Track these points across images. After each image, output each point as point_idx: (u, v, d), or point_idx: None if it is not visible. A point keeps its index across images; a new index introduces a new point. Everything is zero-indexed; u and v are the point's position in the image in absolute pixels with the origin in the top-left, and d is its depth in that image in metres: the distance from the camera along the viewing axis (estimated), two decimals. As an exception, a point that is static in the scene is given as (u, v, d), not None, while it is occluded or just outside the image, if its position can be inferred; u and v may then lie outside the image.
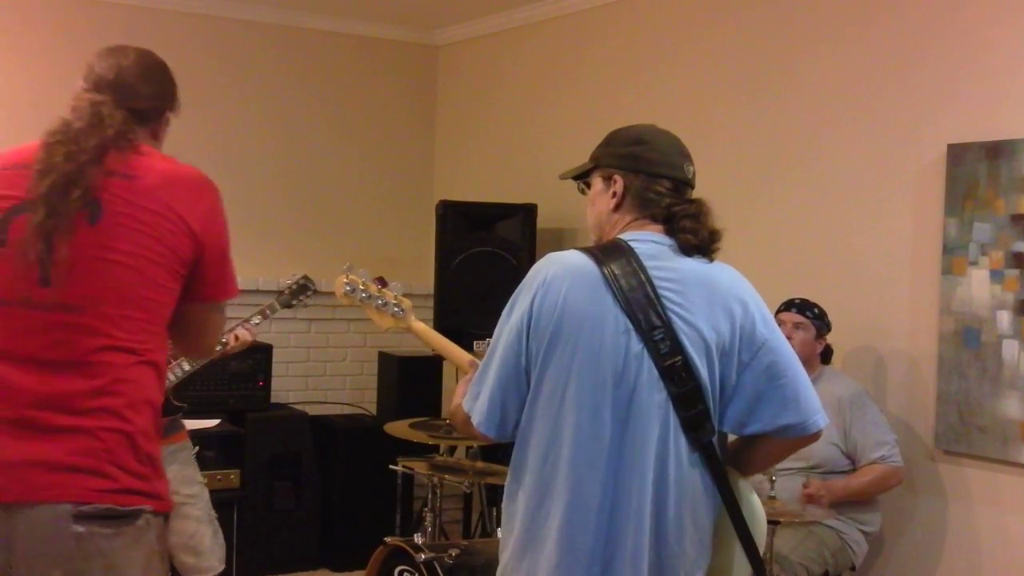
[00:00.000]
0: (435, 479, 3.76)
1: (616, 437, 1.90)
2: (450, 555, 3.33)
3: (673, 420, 1.91)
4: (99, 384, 1.88)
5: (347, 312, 5.46)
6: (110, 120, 1.97)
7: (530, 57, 5.45)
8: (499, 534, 2.07)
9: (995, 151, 3.40)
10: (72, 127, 1.95)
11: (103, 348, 1.90)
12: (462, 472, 3.79)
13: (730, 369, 1.95)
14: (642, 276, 1.93)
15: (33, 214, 1.87)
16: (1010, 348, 3.35)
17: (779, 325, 2.10)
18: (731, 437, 2.07)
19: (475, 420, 2.00)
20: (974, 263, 3.45)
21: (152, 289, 1.95)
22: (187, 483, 3.37)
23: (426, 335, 2.56)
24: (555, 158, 4.84)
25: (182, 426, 3.49)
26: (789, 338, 2.08)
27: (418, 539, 3.50)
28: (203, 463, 3.71)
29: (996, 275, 3.39)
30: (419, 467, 3.87)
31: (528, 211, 5.03)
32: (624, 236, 2.01)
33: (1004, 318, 3.37)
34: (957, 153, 3.51)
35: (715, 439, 1.96)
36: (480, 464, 3.79)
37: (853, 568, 3.58)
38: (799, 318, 3.62)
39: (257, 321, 3.49)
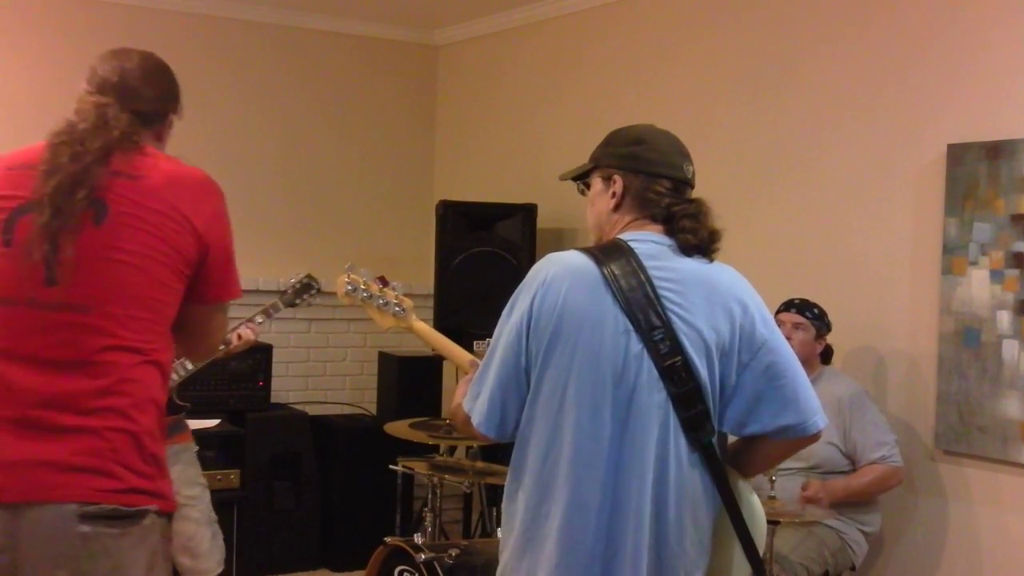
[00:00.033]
0: (435, 479, 3.76)
1: (616, 437, 1.90)
2: (450, 555, 3.33)
3: (673, 420, 1.91)
4: (105, 384, 1.89)
5: (347, 312, 5.46)
6: (115, 122, 1.98)
7: (530, 57, 5.45)
8: (499, 534, 2.07)
9: (995, 151, 3.40)
10: (77, 128, 1.96)
11: (109, 348, 1.90)
12: (462, 472, 3.79)
13: (730, 369, 1.95)
14: (642, 276, 1.93)
15: (39, 214, 1.88)
16: (1010, 348, 3.35)
17: (779, 325, 2.10)
18: (731, 438, 2.07)
19: (475, 420, 2.00)
20: (974, 263, 3.45)
21: (157, 289, 1.96)
22: (189, 484, 3.37)
23: (427, 335, 2.56)
24: (555, 158, 4.85)
25: (186, 427, 3.48)
26: (788, 338, 2.08)
27: (418, 539, 3.50)
28: (203, 463, 3.71)
29: (996, 275, 3.39)
30: (419, 467, 3.87)
31: (528, 211, 5.03)
32: (624, 236, 2.01)
33: (1004, 318, 3.37)
34: (957, 153, 3.51)
35: (715, 439, 1.96)
36: (480, 464, 3.79)
37: (853, 568, 3.58)
38: (798, 318, 3.62)
39: (260, 320, 3.48)
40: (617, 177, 2.06)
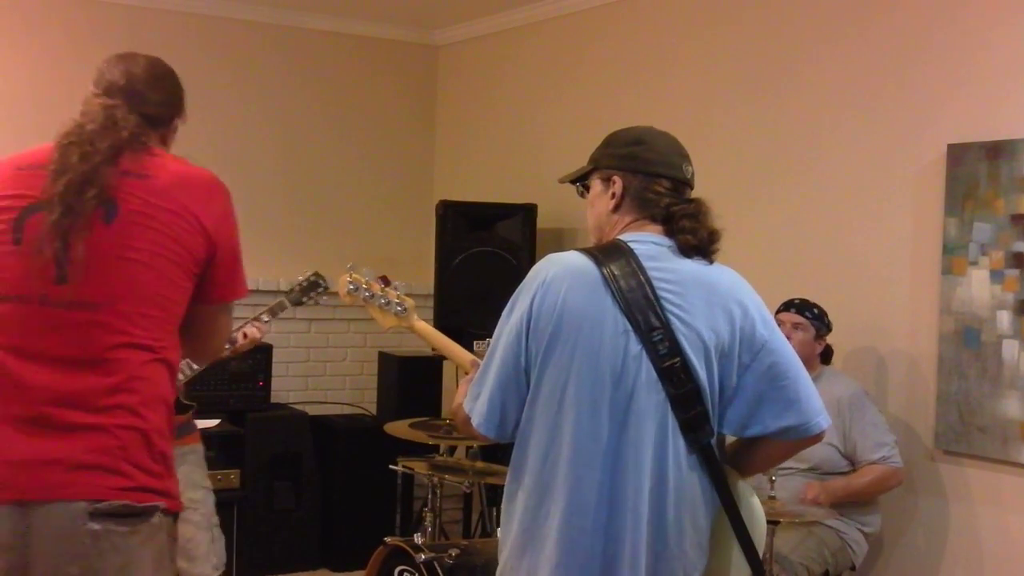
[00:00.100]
0: (435, 479, 3.77)
1: (614, 438, 1.90)
2: (450, 555, 3.33)
3: (671, 421, 1.91)
4: (115, 381, 1.90)
5: (347, 312, 5.46)
6: (124, 123, 2.00)
7: (530, 57, 5.45)
8: (499, 534, 2.07)
9: (995, 151, 3.40)
10: (86, 129, 1.98)
11: (119, 345, 1.91)
12: (462, 472, 3.79)
13: (730, 371, 1.95)
14: (641, 277, 1.93)
15: (49, 213, 1.90)
16: (1010, 348, 3.35)
17: (778, 325, 2.10)
18: (729, 438, 2.07)
19: (475, 421, 2.00)
20: (974, 263, 3.45)
21: (167, 287, 1.97)
22: (192, 487, 3.34)
23: (428, 334, 2.57)
24: (555, 158, 4.86)
25: (195, 428, 3.46)
26: (788, 338, 2.07)
27: (418, 539, 3.50)
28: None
29: (996, 275, 3.39)
30: (419, 467, 3.87)
31: (528, 211, 5.03)
32: (624, 237, 2.01)
33: (1004, 318, 3.37)
34: (957, 153, 3.51)
35: (714, 441, 1.96)
36: (480, 464, 3.79)
37: (853, 568, 3.58)
38: (798, 318, 3.62)
39: (267, 319, 3.46)
40: (616, 178, 2.06)
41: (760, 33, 4.26)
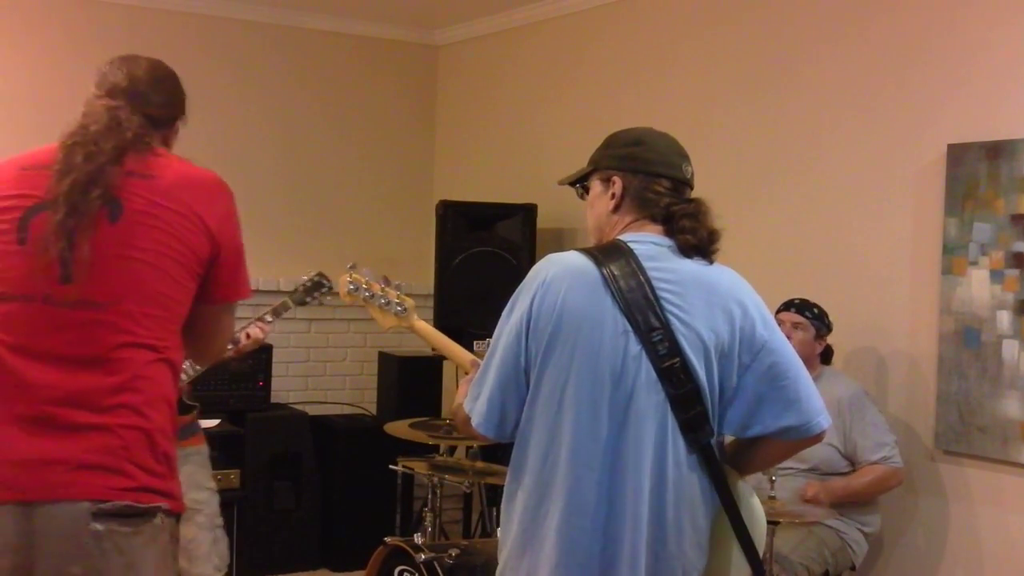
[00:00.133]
0: (435, 479, 3.77)
1: (613, 438, 1.90)
2: (450, 555, 3.33)
3: (671, 421, 1.91)
4: (119, 380, 1.90)
5: (347, 312, 5.46)
6: (128, 123, 2.01)
7: (530, 57, 5.45)
8: (499, 534, 2.07)
9: (995, 151, 3.40)
10: (90, 130, 1.99)
11: (124, 345, 1.92)
12: (462, 472, 3.79)
13: (730, 371, 1.95)
14: (641, 277, 1.93)
15: (53, 212, 1.90)
16: (1010, 348, 3.35)
17: (778, 325, 2.10)
18: (729, 438, 2.07)
19: (475, 421, 2.00)
20: (974, 263, 3.45)
21: (171, 287, 1.98)
22: (196, 488, 3.33)
23: (428, 334, 2.57)
24: (555, 158, 4.86)
25: (199, 429, 3.46)
26: (788, 338, 2.07)
27: (418, 539, 3.50)
28: (203, 463, 3.70)
29: (996, 275, 3.39)
30: (419, 467, 3.87)
31: (528, 211, 5.03)
32: (624, 237, 2.01)
33: (1004, 318, 3.37)
34: (957, 153, 3.51)
35: (714, 441, 1.96)
36: (480, 464, 3.79)
37: (853, 568, 3.58)
38: (798, 318, 3.62)
39: (270, 319, 3.46)
40: (616, 178, 2.06)
41: (760, 33, 4.26)
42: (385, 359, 5.54)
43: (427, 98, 6.05)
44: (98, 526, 1.84)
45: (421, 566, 3.31)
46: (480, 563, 3.35)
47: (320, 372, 5.72)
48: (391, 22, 5.81)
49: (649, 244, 1.99)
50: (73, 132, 1.99)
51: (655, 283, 1.93)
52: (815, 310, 3.64)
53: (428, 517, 3.76)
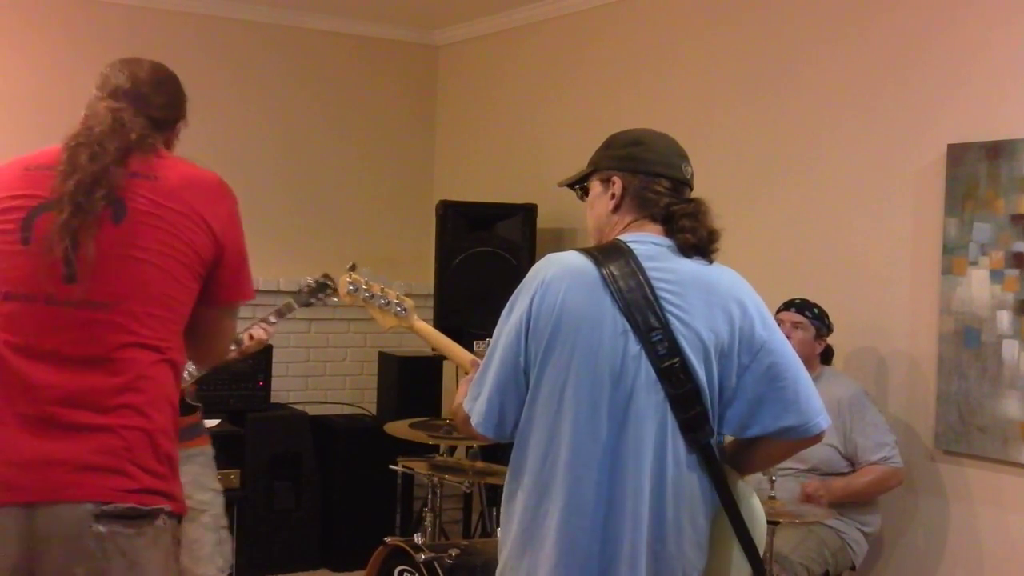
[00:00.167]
0: (435, 479, 3.77)
1: (612, 438, 1.90)
2: (450, 555, 3.33)
3: (671, 421, 1.91)
4: (123, 381, 1.91)
5: (347, 312, 5.46)
6: (132, 124, 2.02)
7: (530, 57, 5.45)
8: (499, 534, 2.07)
9: (995, 151, 3.40)
10: (94, 131, 2.00)
11: (127, 345, 1.92)
12: (462, 472, 3.79)
13: (730, 371, 1.95)
14: (641, 277, 1.93)
15: (58, 212, 1.91)
16: (1010, 348, 3.35)
17: (779, 324, 2.10)
18: (728, 438, 2.07)
19: (474, 421, 2.00)
20: (974, 263, 3.45)
21: (174, 287, 1.98)
22: (200, 489, 3.33)
23: (428, 335, 2.57)
24: (555, 158, 4.87)
25: (204, 429, 3.46)
26: (788, 337, 2.07)
27: (418, 539, 3.50)
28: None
29: (996, 275, 3.39)
30: (419, 467, 3.87)
31: (528, 211, 5.03)
32: (623, 237, 2.01)
33: (1004, 318, 3.37)
34: (957, 153, 3.51)
35: (714, 440, 1.96)
36: (480, 464, 3.79)
37: (853, 568, 3.58)
38: (798, 317, 3.62)
39: (274, 320, 3.45)
40: (616, 178, 2.06)
41: (760, 33, 4.26)
42: (385, 359, 5.54)
43: (427, 98, 6.05)
44: (101, 528, 1.84)
45: (421, 566, 3.31)
46: (480, 563, 3.35)
47: (320, 372, 5.72)
48: (391, 22, 5.81)
49: (649, 244, 1.99)
50: (77, 133, 2.00)
51: (654, 283, 1.93)
52: (815, 310, 3.64)
53: (428, 517, 3.76)
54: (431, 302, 5.06)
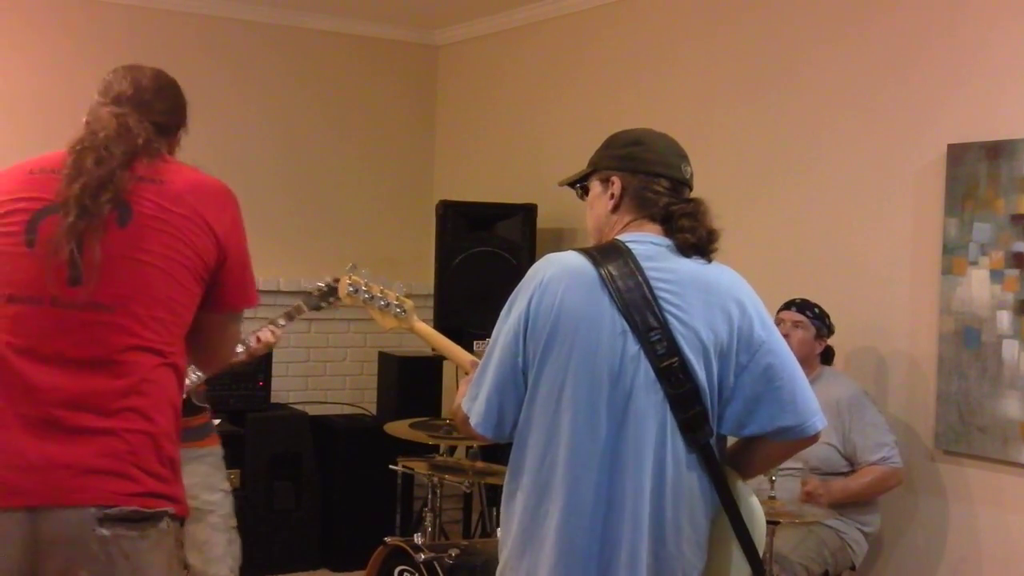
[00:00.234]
0: (435, 479, 3.77)
1: (612, 438, 1.90)
2: (450, 555, 3.33)
3: (670, 421, 1.91)
4: (127, 383, 1.91)
5: (347, 312, 5.46)
6: (138, 129, 2.03)
7: (530, 57, 5.45)
8: (499, 534, 2.07)
9: (995, 151, 3.40)
10: (99, 135, 2.00)
11: (131, 347, 1.92)
12: (462, 472, 3.79)
13: (728, 371, 1.95)
14: (639, 277, 1.93)
15: (64, 215, 1.91)
16: (1010, 348, 3.35)
17: (779, 324, 2.10)
18: (731, 439, 2.07)
19: (473, 421, 2.00)
20: (974, 263, 3.45)
21: (179, 291, 1.99)
22: (209, 490, 3.32)
23: (428, 335, 2.57)
24: (555, 158, 4.86)
25: (213, 430, 3.45)
26: (787, 336, 2.08)
27: (418, 539, 3.50)
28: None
29: (996, 275, 3.39)
30: (419, 467, 3.87)
31: (528, 211, 5.03)
32: (622, 237, 2.01)
33: (1004, 318, 3.37)
34: (957, 153, 3.51)
35: (713, 440, 1.96)
36: (480, 464, 3.79)
37: (853, 568, 3.58)
38: (798, 317, 3.62)
39: (283, 323, 3.45)
40: (615, 178, 2.06)
41: (760, 33, 4.26)
42: (385, 359, 5.54)
43: (427, 98, 6.05)
44: (104, 531, 1.84)
45: (421, 566, 3.31)
46: (480, 563, 3.35)
47: (320, 372, 5.72)
48: (391, 22, 5.81)
49: (648, 244, 1.99)
50: (82, 138, 2.01)
51: (653, 283, 1.93)
52: (815, 310, 3.64)
53: (428, 517, 3.76)
54: (431, 302, 5.06)
